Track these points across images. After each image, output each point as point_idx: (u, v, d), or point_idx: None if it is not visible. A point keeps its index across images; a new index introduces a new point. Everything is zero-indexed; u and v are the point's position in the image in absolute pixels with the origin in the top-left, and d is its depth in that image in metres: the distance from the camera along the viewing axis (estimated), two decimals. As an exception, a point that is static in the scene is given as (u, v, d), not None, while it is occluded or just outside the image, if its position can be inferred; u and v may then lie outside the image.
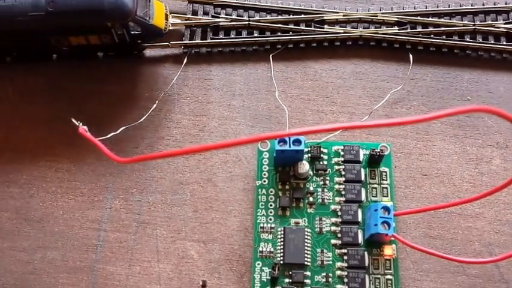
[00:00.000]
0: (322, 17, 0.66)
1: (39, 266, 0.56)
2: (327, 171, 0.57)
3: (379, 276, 0.53)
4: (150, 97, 0.62)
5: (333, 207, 0.56)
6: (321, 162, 0.58)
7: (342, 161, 0.58)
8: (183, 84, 0.63)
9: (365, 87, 0.63)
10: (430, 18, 0.66)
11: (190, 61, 0.65)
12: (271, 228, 0.55)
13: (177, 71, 0.64)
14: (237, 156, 0.60)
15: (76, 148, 0.60)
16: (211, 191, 0.59)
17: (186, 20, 0.66)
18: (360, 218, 0.55)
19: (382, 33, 0.65)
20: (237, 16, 0.66)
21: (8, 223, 0.58)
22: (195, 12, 0.67)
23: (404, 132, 0.61)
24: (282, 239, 0.54)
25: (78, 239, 0.57)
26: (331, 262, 0.54)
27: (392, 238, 0.53)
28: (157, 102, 0.61)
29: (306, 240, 0.54)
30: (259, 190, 0.57)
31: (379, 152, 0.56)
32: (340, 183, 0.57)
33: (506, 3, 0.66)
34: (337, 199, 0.56)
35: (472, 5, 0.66)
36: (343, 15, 0.66)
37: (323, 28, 0.65)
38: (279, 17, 0.66)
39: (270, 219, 0.56)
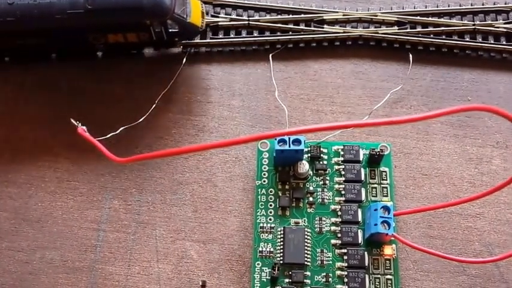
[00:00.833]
0: (322, 16, 0.66)
1: (38, 266, 0.56)
2: (327, 171, 0.57)
3: (379, 276, 0.53)
4: (149, 97, 0.62)
5: (332, 207, 0.56)
6: (321, 162, 0.58)
7: (342, 161, 0.58)
8: (182, 84, 0.63)
9: (365, 87, 0.63)
10: (430, 18, 0.66)
11: (190, 61, 0.65)
12: (271, 228, 0.55)
13: (176, 71, 0.63)
14: (237, 156, 0.60)
15: (75, 148, 0.60)
16: (211, 191, 0.58)
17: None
18: (359, 218, 0.55)
19: (382, 33, 0.65)
20: (237, 16, 0.66)
21: (7, 223, 0.58)
22: (194, 12, 0.67)
23: (404, 132, 0.61)
24: (282, 239, 0.54)
25: (77, 239, 0.57)
26: (331, 262, 0.54)
27: (392, 238, 0.53)
28: (156, 102, 0.61)
29: (305, 240, 0.54)
30: (259, 190, 0.57)
31: (379, 151, 0.56)
32: (340, 183, 0.57)
33: (506, 3, 0.66)
34: (337, 199, 0.56)
35: (471, 5, 0.66)
36: (343, 15, 0.66)
37: (323, 28, 0.65)
38: (279, 16, 0.66)
39: (270, 219, 0.56)
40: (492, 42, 0.64)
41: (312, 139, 0.58)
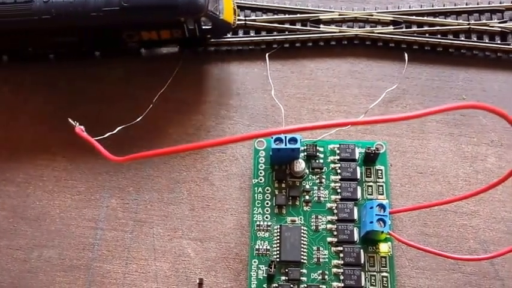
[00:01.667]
0: (318, 16, 0.66)
1: (36, 264, 0.56)
2: (323, 170, 0.58)
3: (374, 273, 0.54)
4: (147, 96, 0.62)
5: (328, 205, 0.56)
6: (317, 161, 0.58)
7: (338, 160, 0.58)
8: (180, 83, 0.63)
9: (361, 86, 0.64)
10: (425, 18, 0.66)
11: (187, 60, 0.65)
12: (267, 226, 0.56)
13: (174, 71, 0.64)
14: (234, 155, 0.60)
15: (73, 147, 0.60)
16: (208, 190, 0.59)
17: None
18: (355, 216, 0.55)
19: (378, 33, 0.65)
20: (233, 15, 0.67)
21: (5, 222, 0.58)
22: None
23: (400, 130, 0.61)
24: (278, 237, 0.54)
25: (75, 238, 0.57)
26: (327, 260, 0.54)
27: (388, 235, 0.53)
28: (154, 101, 0.62)
29: (302, 238, 0.54)
30: (256, 188, 0.57)
31: (374, 150, 0.56)
32: (336, 182, 0.57)
33: (500, 3, 0.66)
34: (333, 197, 0.57)
35: (466, 4, 0.67)
36: (339, 15, 0.66)
37: (319, 27, 0.66)
38: (275, 16, 0.66)
39: (267, 218, 0.56)
40: (487, 41, 0.65)
41: (308, 138, 0.59)
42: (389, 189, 0.57)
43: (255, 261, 0.54)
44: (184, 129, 0.62)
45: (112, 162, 0.46)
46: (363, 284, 0.53)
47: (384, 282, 0.53)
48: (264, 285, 0.53)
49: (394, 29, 0.65)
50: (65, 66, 0.65)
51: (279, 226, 0.55)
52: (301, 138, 0.56)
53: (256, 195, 0.57)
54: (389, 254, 0.54)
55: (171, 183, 0.59)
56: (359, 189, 0.57)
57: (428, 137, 0.61)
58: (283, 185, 0.57)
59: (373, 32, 0.65)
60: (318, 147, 0.58)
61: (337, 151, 0.58)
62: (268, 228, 0.55)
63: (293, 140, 0.55)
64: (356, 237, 0.55)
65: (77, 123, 0.52)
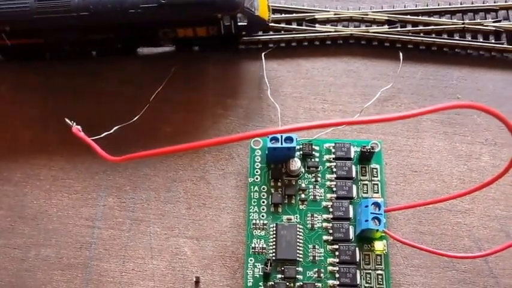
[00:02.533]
0: (314, 16, 0.66)
1: (33, 263, 0.56)
2: (319, 168, 0.58)
3: (370, 271, 0.54)
4: (144, 96, 0.62)
5: (324, 203, 0.57)
6: (313, 160, 0.58)
7: (333, 158, 0.58)
8: (176, 83, 0.64)
9: (356, 85, 0.64)
10: (420, 17, 0.66)
11: (183, 59, 0.65)
12: (263, 224, 0.56)
13: (170, 70, 0.64)
14: (230, 154, 0.61)
15: (70, 146, 0.60)
16: (204, 188, 0.59)
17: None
18: (351, 214, 0.56)
19: (373, 32, 0.65)
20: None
21: (3, 221, 0.58)
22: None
23: (395, 129, 0.61)
24: (274, 235, 0.55)
25: (72, 237, 0.57)
26: (322, 258, 0.55)
27: (383, 234, 0.53)
28: (150, 101, 0.62)
29: (298, 237, 0.55)
30: (252, 187, 0.58)
31: (369, 149, 0.57)
32: (331, 180, 0.58)
33: (494, 2, 0.67)
34: (329, 196, 0.57)
35: (461, 4, 0.67)
36: (334, 14, 0.66)
37: (314, 27, 0.66)
38: (271, 16, 0.67)
39: (263, 216, 0.56)
40: (481, 40, 0.65)
41: (303, 137, 0.59)
42: (384, 188, 0.58)
43: (251, 260, 0.55)
44: (180, 128, 0.62)
45: (109, 162, 0.47)
46: (358, 282, 0.53)
47: (379, 280, 0.54)
48: (260, 283, 0.54)
49: (389, 28, 0.66)
50: (62, 66, 0.65)
51: (275, 224, 0.55)
52: (297, 137, 0.56)
53: (252, 193, 0.57)
54: (384, 252, 0.54)
55: (167, 182, 0.59)
56: (354, 187, 0.57)
57: (423, 135, 0.61)
58: (279, 184, 0.58)
59: (368, 32, 0.65)
60: (313, 146, 0.59)
61: (333, 150, 0.59)
62: (264, 226, 0.56)
63: (289, 139, 0.56)
64: (351, 235, 0.55)
65: (74, 123, 0.52)
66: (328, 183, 0.57)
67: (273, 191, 0.57)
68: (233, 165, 0.60)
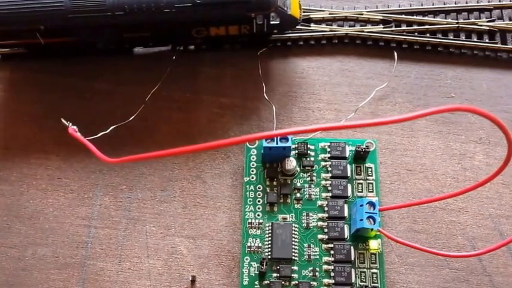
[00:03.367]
0: (309, 15, 0.67)
1: (30, 262, 0.56)
2: (314, 168, 0.58)
3: (364, 270, 0.54)
4: (140, 95, 0.62)
5: (319, 202, 0.57)
6: (308, 159, 0.59)
7: (329, 157, 0.59)
8: (172, 82, 0.64)
9: (351, 84, 0.64)
10: (415, 17, 0.67)
11: (179, 59, 0.65)
12: (259, 223, 0.56)
13: (166, 69, 0.64)
14: (226, 153, 0.61)
15: (66, 145, 0.60)
16: (200, 188, 0.59)
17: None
18: (346, 213, 0.56)
19: (368, 32, 0.66)
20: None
21: (-1, 220, 0.58)
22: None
23: (389, 128, 0.62)
24: (270, 234, 0.55)
25: (69, 236, 0.57)
26: (318, 257, 0.55)
27: (378, 233, 0.54)
28: (146, 100, 0.62)
29: (293, 236, 0.55)
30: (247, 186, 0.58)
31: (364, 148, 0.57)
32: (326, 179, 0.58)
33: (489, 1, 0.67)
34: (324, 195, 0.57)
35: (455, 3, 0.68)
36: (329, 14, 0.67)
37: (309, 26, 0.66)
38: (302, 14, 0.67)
39: (258, 215, 0.57)
40: (475, 40, 0.66)
41: (299, 136, 0.59)
42: (379, 187, 0.58)
43: (246, 259, 0.55)
44: (176, 127, 0.62)
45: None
46: (353, 281, 0.54)
47: (374, 278, 0.54)
48: (256, 282, 0.54)
49: (383, 27, 0.66)
50: (58, 65, 0.65)
51: (270, 224, 0.56)
52: (292, 136, 0.56)
53: (247, 193, 0.58)
54: (379, 250, 0.55)
55: (163, 181, 0.60)
56: (349, 186, 0.57)
57: (418, 135, 0.62)
58: (275, 183, 0.58)
59: (363, 31, 0.66)
60: (308, 146, 0.59)
61: (328, 149, 0.59)
62: (260, 225, 0.56)
63: (284, 139, 0.56)
64: (346, 234, 0.55)
65: (70, 124, 0.52)
66: (323, 182, 0.58)
67: (268, 190, 0.58)
68: (229, 164, 0.60)
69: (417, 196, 0.59)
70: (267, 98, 0.63)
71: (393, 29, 0.66)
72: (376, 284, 0.54)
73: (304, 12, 0.66)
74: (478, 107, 0.37)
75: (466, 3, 0.67)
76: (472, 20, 0.66)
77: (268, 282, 0.54)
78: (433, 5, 0.68)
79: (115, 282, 0.55)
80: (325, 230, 0.56)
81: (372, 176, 0.58)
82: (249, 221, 0.56)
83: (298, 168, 0.58)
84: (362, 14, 0.67)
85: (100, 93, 0.64)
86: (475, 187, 0.48)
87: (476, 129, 0.62)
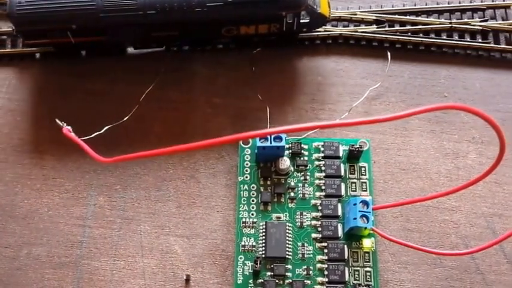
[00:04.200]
0: (303, 15, 0.67)
1: (25, 262, 0.56)
2: (308, 167, 0.59)
3: (358, 268, 0.55)
4: (134, 96, 0.63)
5: (313, 201, 0.57)
6: (302, 158, 0.59)
7: (322, 157, 0.59)
8: (166, 82, 0.64)
9: (345, 84, 0.65)
10: (408, 17, 0.67)
11: (173, 59, 0.66)
12: (253, 223, 0.56)
13: (160, 70, 0.64)
14: (220, 153, 0.61)
15: (60, 145, 0.61)
16: (195, 187, 0.59)
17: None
18: (339, 212, 0.56)
19: (361, 32, 0.66)
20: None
21: (-6, 220, 0.58)
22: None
23: (383, 128, 0.62)
24: (264, 233, 0.55)
25: (63, 235, 0.57)
26: (311, 255, 0.55)
27: (371, 231, 0.54)
28: (140, 100, 0.62)
29: (287, 234, 0.55)
30: (241, 186, 0.58)
31: (358, 147, 0.57)
32: (320, 179, 0.58)
33: (482, 1, 0.68)
34: (318, 194, 0.58)
35: (448, 3, 0.68)
36: (323, 14, 0.67)
37: (304, 27, 0.67)
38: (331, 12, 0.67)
39: (252, 214, 0.57)
40: (468, 40, 0.66)
41: (292, 136, 0.60)
42: (372, 186, 0.58)
43: (241, 258, 0.55)
44: (170, 127, 0.62)
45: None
46: (346, 279, 0.54)
47: (367, 277, 0.54)
48: (250, 281, 0.54)
49: (377, 28, 0.66)
50: (52, 66, 0.65)
51: (264, 223, 0.56)
52: (286, 136, 0.56)
53: (242, 192, 0.58)
54: (372, 249, 0.55)
55: (158, 181, 0.60)
56: (343, 186, 0.58)
57: (411, 134, 0.62)
58: (269, 182, 0.58)
59: (357, 31, 0.66)
60: (302, 145, 0.59)
61: (322, 149, 0.59)
62: (254, 224, 0.56)
63: (278, 138, 0.56)
64: (340, 233, 0.56)
65: (64, 124, 0.52)
66: (317, 181, 0.58)
67: (262, 190, 0.58)
68: (223, 164, 0.61)
69: (410, 195, 0.59)
70: (260, 98, 0.63)
71: (387, 29, 0.66)
72: (369, 283, 0.54)
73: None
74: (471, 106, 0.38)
75: (459, 3, 0.68)
76: (465, 20, 0.66)
77: (262, 281, 0.54)
78: (426, 5, 0.68)
79: (109, 282, 0.55)
80: (319, 229, 0.56)
81: (365, 175, 0.58)
82: (243, 220, 0.57)
83: (292, 168, 0.59)
84: (356, 14, 0.67)
85: (94, 94, 0.64)
86: (467, 185, 0.48)
87: (469, 129, 0.62)
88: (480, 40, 0.66)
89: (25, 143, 0.62)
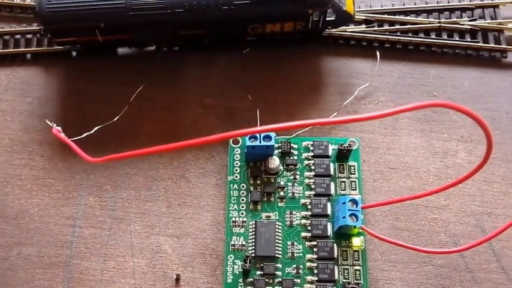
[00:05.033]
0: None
1: (15, 262, 0.56)
2: (297, 166, 0.59)
3: (347, 267, 0.55)
4: (124, 96, 0.63)
5: (303, 201, 0.57)
6: (291, 157, 0.59)
7: (312, 156, 0.59)
8: (156, 82, 0.64)
9: (334, 84, 0.65)
10: (397, 16, 0.67)
11: (163, 59, 0.66)
12: (243, 222, 0.57)
13: (150, 70, 0.64)
14: (210, 153, 0.61)
15: (50, 146, 0.61)
16: (185, 187, 0.60)
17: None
18: (329, 211, 0.57)
19: (350, 31, 0.66)
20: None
21: (-16, 221, 0.58)
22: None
23: (372, 127, 0.62)
24: (254, 233, 0.55)
25: (54, 235, 0.58)
26: (301, 254, 0.55)
27: (361, 230, 0.54)
28: (130, 101, 0.62)
29: (276, 233, 0.55)
30: (231, 185, 0.58)
31: (347, 146, 0.58)
32: (309, 178, 0.58)
33: (470, 1, 0.68)
34: (307, 193, 0.58)
35: (437, 3, 0.68)
36: (313, 14, 0.67)
37: (293, 27, 0.67)
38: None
39: (242, 214, 0.57)
40: (457, 39, 0.66)
41: (282, 135, 0.60)
42: (362, 185, 0.58)
43: (230, 257, 0.55)
44: (161, 128, 0.62)
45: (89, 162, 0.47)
46: (336, 278, 0.54)
47: (357, 275, 0.54)
48: (240, 280, 0.54)
49: (366, 27, 0.67)
50: (42, 66, 0.66)
51: (254, 222, 0.56)
52: (275, 135, 0.57)
53: (231, 191, 0.58)
54: (361, 248, 0.55)
55: (148, 180, 0.60)
56: (332, 185, 0.58)
57: (400, 133, 0.62)
58: (258, 182, 0.58)
59: (346, 31, 0.66)
60: (292, 144, 0.59)
61: (311, 148, 0.59)
62: (244, 224, 0.56)
63: (267, 138, 0.56)
64: (329, 231, 0.56)
65: (54, 124, 0.53)
66: (306, 180, 0.58)
67: (252, 189, 0.58)
68: (213, 163, 0.61)
69: (400, 194, 0.59)
70: (250, 98, 0.63)
71: (376, 28, 0.66)
72: (359, 281, 0.54)
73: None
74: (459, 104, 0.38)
75: (448, 2, 0.68)
76: (454, 20, 0.67)
77: (252, 280, 0.54)
78: (415, 4, 0.68)
79: (100, 281, 0.56)
80: (309, 228, 0.56)
81: (354, 174, 0.59)
82: (233, 219, 0.57)
83: (281, 167, 0.59)
84: (345, 14, 0.67)
85: (84, 94, 0.64)
86: (456, 184, 0.48)
87: (458, 128, 0.62)
88: (469, 39, 0.66)
89: (15, 144, 0.62)
